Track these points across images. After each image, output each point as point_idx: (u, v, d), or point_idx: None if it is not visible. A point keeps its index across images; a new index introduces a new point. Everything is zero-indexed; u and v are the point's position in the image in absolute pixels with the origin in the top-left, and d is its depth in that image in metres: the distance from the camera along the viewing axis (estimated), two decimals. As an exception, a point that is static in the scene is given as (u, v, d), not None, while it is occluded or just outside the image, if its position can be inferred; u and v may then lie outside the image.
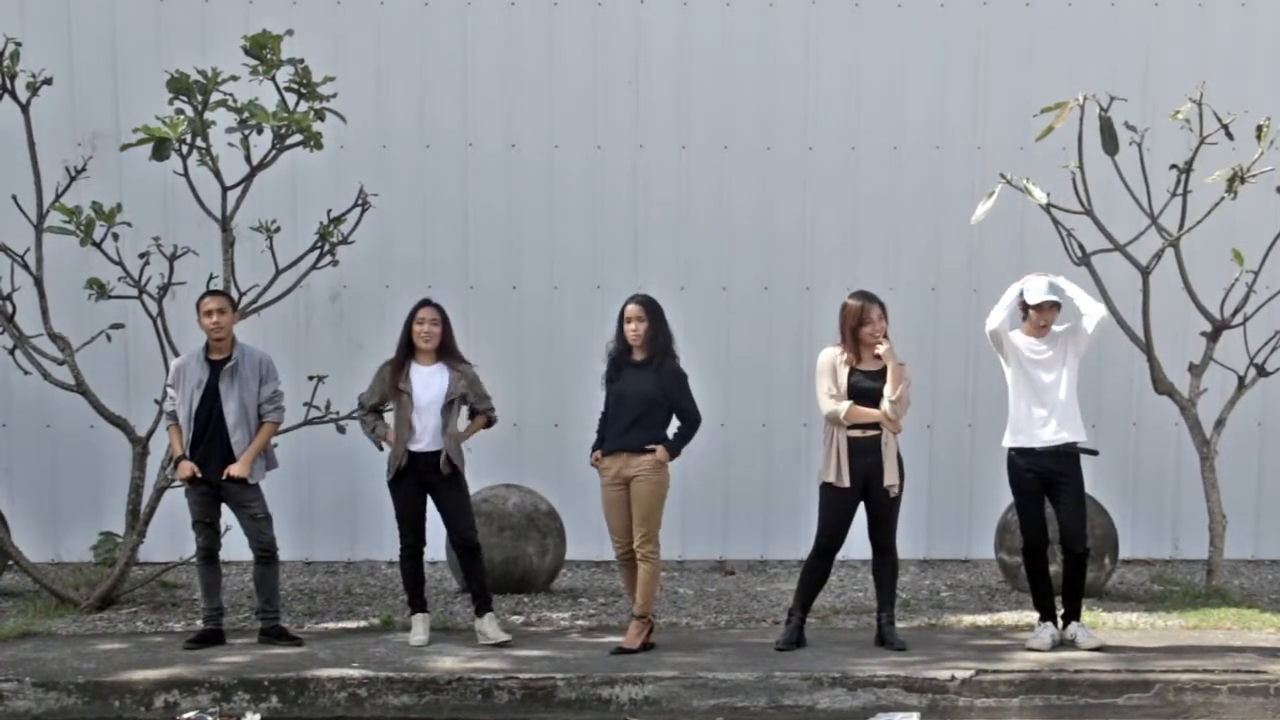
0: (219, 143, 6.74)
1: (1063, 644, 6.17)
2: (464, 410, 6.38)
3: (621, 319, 6.17)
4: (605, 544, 6.45)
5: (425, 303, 6.35)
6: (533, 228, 8.71)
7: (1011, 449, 6.18)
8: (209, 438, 6.21)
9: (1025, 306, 6.23)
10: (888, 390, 6.00)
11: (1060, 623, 6.26)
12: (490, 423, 6.45)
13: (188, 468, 6.22)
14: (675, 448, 6.13)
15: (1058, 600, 6.27)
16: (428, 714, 5.55)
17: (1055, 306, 6.15)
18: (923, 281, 8.65)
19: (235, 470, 6.18)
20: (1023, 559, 6.30)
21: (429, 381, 6.22)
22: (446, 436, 6.18)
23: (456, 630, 6.52)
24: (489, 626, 6.25)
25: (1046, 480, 6.12)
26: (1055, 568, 6.34)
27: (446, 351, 6.29)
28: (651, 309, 6.13)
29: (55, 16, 8.49)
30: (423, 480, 6.19)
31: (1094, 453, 6.21)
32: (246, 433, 6.23)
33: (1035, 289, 6.17)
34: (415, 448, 6.18)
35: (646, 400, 6.08)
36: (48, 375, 7.03)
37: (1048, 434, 6.08)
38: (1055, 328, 6.23)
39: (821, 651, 6.07)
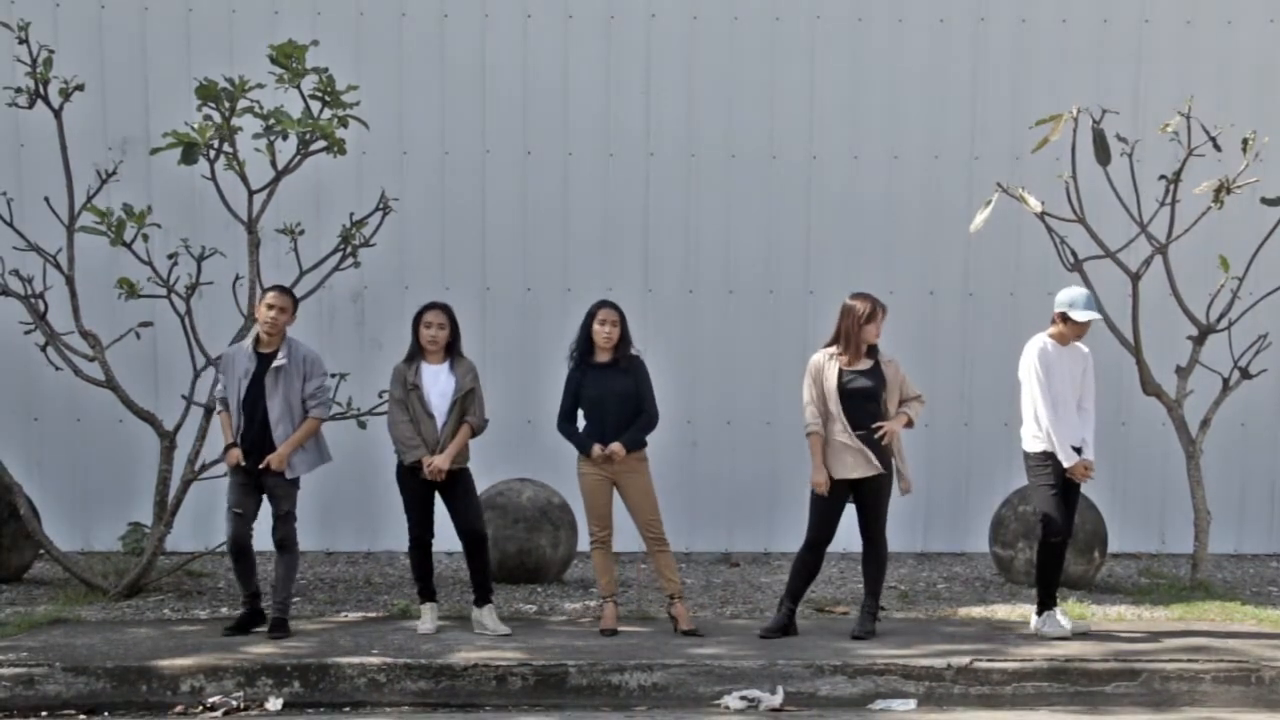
0: (245, 148, 6.77)
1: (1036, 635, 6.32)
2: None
3: (591, 321, 6.36)
4: (616, 536, 6.48)
5: (431, 305, 6.39)
6: (547, 232, 8.80)
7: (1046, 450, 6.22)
8: (254, 429, 6.25)
9: (1064, 317, 6.24)
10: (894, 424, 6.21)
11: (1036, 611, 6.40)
12: (475, 431, 6.36)
13: (235, 454, 6.25)
14: (638, 441, 6.37)
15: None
16: (444, 699, 5.62)
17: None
18: (921, 286, 8.76)
19: (273, 462, 6.22)
20: (1046, 552, 6.24)
21: (437, 380, 6.32)
22: (446, 438, 6.25)
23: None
24: (488, 618, 6.32)
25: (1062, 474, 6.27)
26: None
27: (453, 351, 6.38)
28: (620, 312, 6.40)
29: (87, 25, 8.54)
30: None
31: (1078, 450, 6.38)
32: (289, 427, 6.25)
33: (1082, 305, 6.22)
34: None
35: (628, 398, 6.34)
36: (78, 371, 7.05)
37: (1078, 437, 6.28)
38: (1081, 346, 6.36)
39: (822, 640, 6.17)
